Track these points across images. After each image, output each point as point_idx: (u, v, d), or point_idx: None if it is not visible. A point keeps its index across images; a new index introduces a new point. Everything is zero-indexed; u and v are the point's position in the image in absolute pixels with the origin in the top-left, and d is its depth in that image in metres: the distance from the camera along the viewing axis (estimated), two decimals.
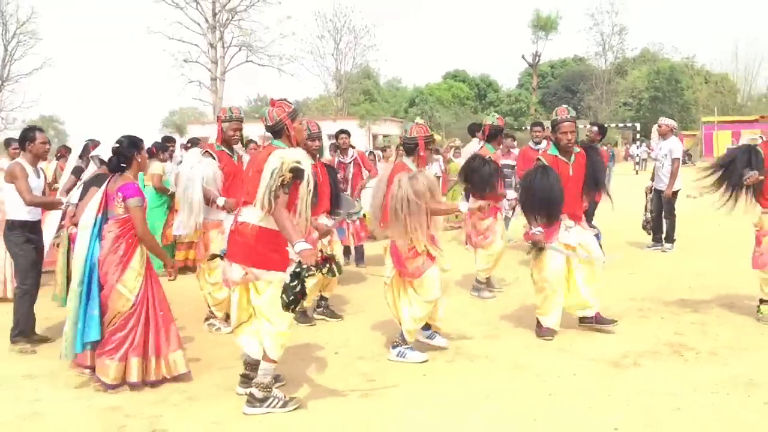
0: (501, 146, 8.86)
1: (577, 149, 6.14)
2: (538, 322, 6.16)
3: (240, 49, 49.04)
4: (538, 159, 6.17)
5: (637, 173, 32.58)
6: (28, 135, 6.18)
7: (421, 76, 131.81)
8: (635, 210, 10.96)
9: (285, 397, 4.64)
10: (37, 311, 6.38)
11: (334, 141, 9.80)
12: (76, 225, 5.69)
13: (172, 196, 9.11)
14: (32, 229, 6.27)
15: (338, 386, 5.03)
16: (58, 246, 6.74)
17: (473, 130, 10.51)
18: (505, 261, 8.27)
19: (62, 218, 6.77)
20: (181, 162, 8.40)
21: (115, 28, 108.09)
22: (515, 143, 11.64)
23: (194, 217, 6.33)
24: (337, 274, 4.49)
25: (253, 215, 4.51)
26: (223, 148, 6.53)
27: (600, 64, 59.70)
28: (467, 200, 8.28)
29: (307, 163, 4.49)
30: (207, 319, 6.67)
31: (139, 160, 5.19)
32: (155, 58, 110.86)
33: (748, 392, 4.67)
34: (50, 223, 6.86)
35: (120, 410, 4.66)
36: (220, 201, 6.30)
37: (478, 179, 7.34)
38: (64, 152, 10.57)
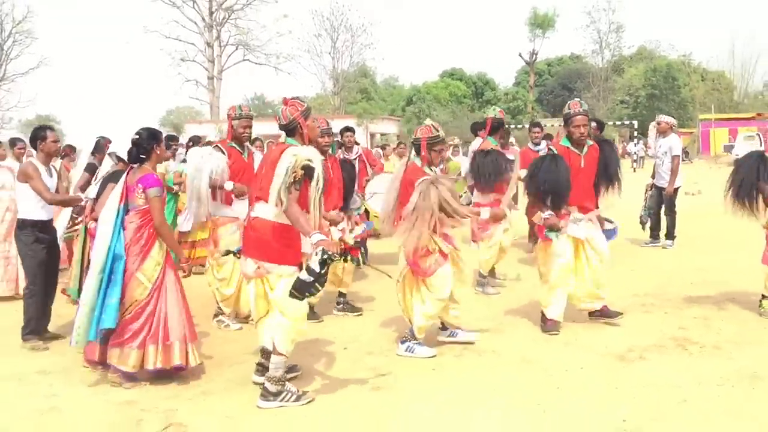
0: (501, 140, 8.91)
1: (590, 143, 6.22)
2: (543, 315, 6.25)
3: (237, 48, 49.23)
4: (550, 149, 6.26)
5: (634, 171, 32.69)
6: (39, 134, 6.23)
7: (418, 75, 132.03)
8: (634, 207, 11.05)
9: (298, 391, 4.72)
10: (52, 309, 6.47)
11: (338, 139, 9.87)
12: (94, 220, 5.76)
13: (176, 195, 9.18)
14: (43, 228, 6.30)
15: (348, 380, 5.11)
16: (72, 240, 6.79)
17: (476, 129, 10.57)
18: (506, 258, 8.36)
19: (78, 214, 6.84)
20: (184, 160, 8.48)
21: (111, 28, 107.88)
22: (512, 139, 11.69)
23: (203, 206, 6.39)
24: (362, 263, 4.65)
25: (266, 211, 4.61)
26: (234, 145, 6.62)
27: (597, 61, 59.80)
28: (471, 194, 8.39)
29: (318, 162, 4.59)
30: (216, 315, 6.75)
31: (158, 152, 5.28)
32: (152, 57, 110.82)
33: (753, 385, 4.76)
34: (61, 220, 6.93)
35: (136, 404, 4.74)
36: (228, 185, 6.38)
37: (485, 171, 7.45)
38: (68, 151, 10.62)
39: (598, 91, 55.83)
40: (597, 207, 6.36)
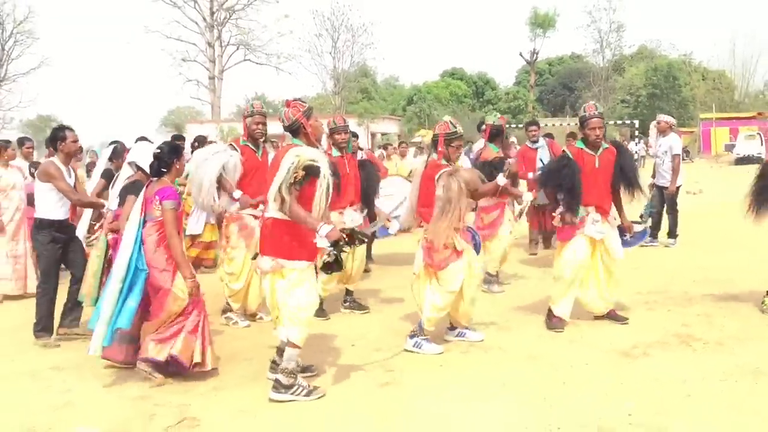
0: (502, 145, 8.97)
1: (606, 145, 6.30)
2: (550, 311, 6.33)
3: (238, 48, 49.21)
4: (563, 151, 6.38)
5: None
6: (58, 135, 6.29)
7: (418, 74, 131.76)
8: (636, 207, 11.10)
9: (309, 386, 4.81)
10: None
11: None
12: (113, 231, 5.83)
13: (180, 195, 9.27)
14: (60, 228, 6.36)
15: (356, 376, 5.19)
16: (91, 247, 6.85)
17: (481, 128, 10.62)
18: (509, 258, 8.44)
19: (96, 220, 6.92)
20: (189, 160, 8.56)
21: (112, 28, 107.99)
22: (513, 138, 11.74)
23: (204, 195, 6.40)
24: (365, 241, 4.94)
25: (276, 210, 4.72)
26: (248, 143, 6.69)
27: (597, 61, 59.71)
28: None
29: (323, 161, 4.69)
30: (224, 312, 6.82)
31: (178, 166, 5.38)
32: (153, 57, 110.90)
33: (756, 380, 4.83)
34: (81, 225, 7.00)
35: (149, 399, 4.84)
36: (236, 193, 6.44)
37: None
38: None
39: (599, 91, 55.80)
40: (621, 209, 6.49)
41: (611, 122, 44.34)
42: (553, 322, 6.27)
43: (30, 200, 8.71)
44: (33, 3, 76.36)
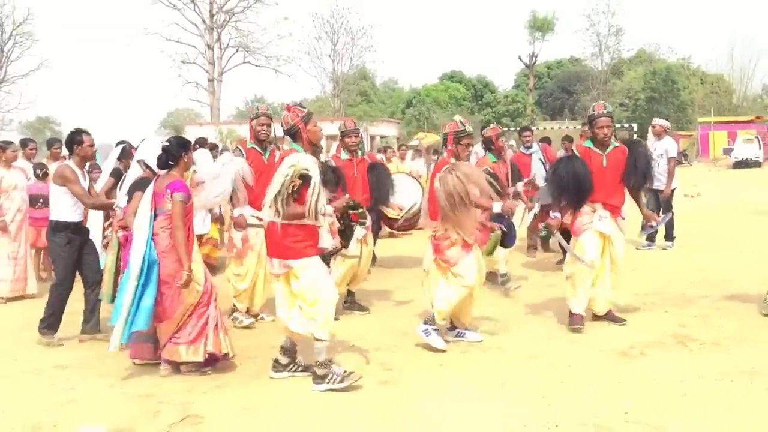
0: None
1: (616, 144, 6.38)
2: (570, 312, 6.33)
3: (237, 50, 49.34)
4: (573, 151, 6.50)
5: None
6: (76, 138, 6.32)
7: (417, 77, 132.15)
8: (634, 209, 11.18)
9: (344, 372, 4.94)
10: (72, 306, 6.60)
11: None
12: (123, 228, 5.89)
13: None
14: (75, 230, 6.42)
15: (358, 375, 5.23)
16: (106, 247, 6.90)
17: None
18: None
19: (106, 219, 6.99)
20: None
21: (112, 30, 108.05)
22: (512, 141, 11.79)
23: (211, 204, 6.50)
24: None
25: (268, 211, 4.93)
26: (254, 146, 6.76)
27: (596, 64, 59.89)
28: None
29: (315, 170, 4.85)
30: (231, 313, 6.88)
31: (186, 160, 5.46)
32: (152, 59, 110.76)
33: (751, 379, 4.89)
34: (91, 224, 7.06)
35: (153, 397, 4.90)
36: (236, 211, 6.51)
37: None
38: None
39: (598, 94, 55.81)
40: (640, 203, 6.65)
41: None
42: (573, 319, 6.28)
43: (33, 202, 8.79)
44: (32, 5, 76.56)
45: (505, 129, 30.80)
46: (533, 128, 10.64)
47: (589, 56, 60.80)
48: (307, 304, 4.90)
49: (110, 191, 6.88)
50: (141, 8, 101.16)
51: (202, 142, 11.32)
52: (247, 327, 6.72)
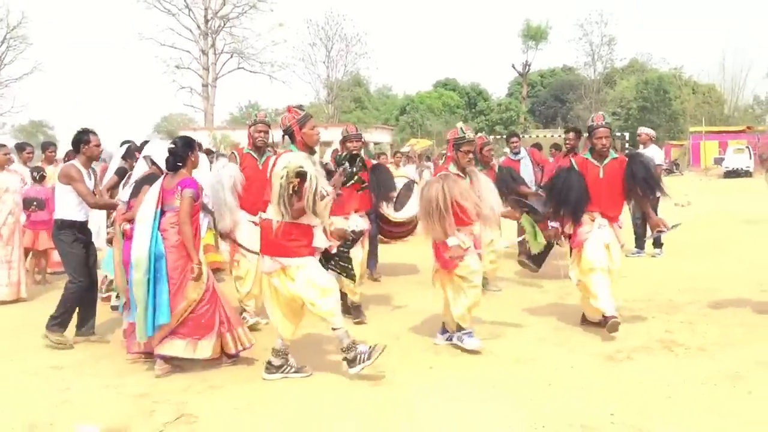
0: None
1: (615, 155, 6.48)
2: (603, 316, 6.32)
3: (232, 56, 49.44)
4: (570, 161, 6.62)
5: None
6: (82, 138, 6.39)
7: (411, 84, 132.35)
8: (625, 218, 11.29)
9: (369, 348, 5.17)
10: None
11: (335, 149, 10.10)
12: (128, 221, 5.97)
13: None
14: (81, 229, 6.48)
15: (350, 376, 5.30)
16: (110, 243, 6.96)
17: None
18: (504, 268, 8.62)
19: (108, 216, 7.08)
20: None
21: (106, 34, 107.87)
22: (506, 149, 11.89)
23: (230, 215, 6.65)
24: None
25: (272, 212, 5.03)
26: (250, 151, 6.86)
27: (589, 73, 60.30)
28: None
29: (309, 165, 4.97)
30: (241, 311, 6.89)
31: (193, 158, 5.61)
32: (147, 64, 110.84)
33: (734, 383, 5.00)
34: (95, 222, 7.13)
35: (148, 397, 4.97)
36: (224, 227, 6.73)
37: None
38: (72, 156, 10.77)
39: (590, 103, 56.19)
40: (647, 210, 6.79)
41: None
42: (608, 323, 6.22)
43: (27, 205, 8.82)
44: (26, 8, 76.40)
45: (498, 137, 30.99)
46: (526, 136, 10.76)
47: (582, 65, 61.30)
48: (311, 305, 5.06)
49: (113, 189, 6.95)
50: (136, 13, 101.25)
51: (198, 147, 11.36)
52: (252, 327, 6.78)
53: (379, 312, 7.58)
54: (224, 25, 48.48)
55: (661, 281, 8.74)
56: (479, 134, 8.51)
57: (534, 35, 57.60)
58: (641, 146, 11.07)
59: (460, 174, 5.97)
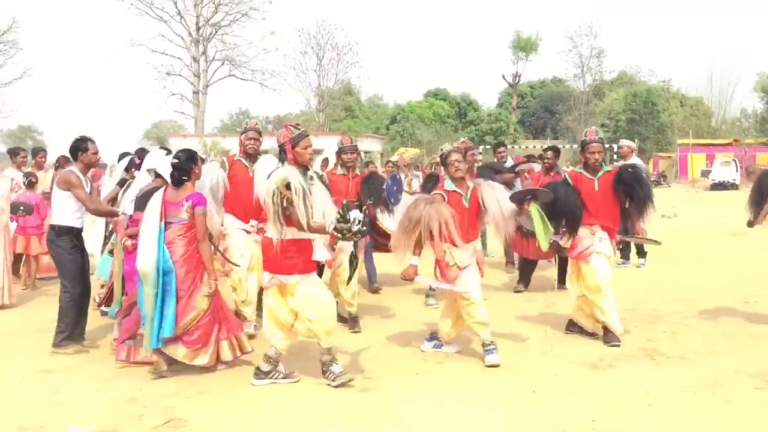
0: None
1: (608, 168, 6.58)
2: (605, 329, 6.44)
3: (223, 64, 49.33)
4: (565, 177, 6.75)
5: None
6: (81, 146, 6.39)
7: (402, 94, 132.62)
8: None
9: (341, 373, 5.30)
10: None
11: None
12: (130, 237, 6.00)
13: None
14: (77, 236, 6.48)
15: (350, 376, 5.37)
16: (111, 253, 6.93)
17: None
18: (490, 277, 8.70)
19: (106, 227, 7.11)
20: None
21: (97, 40, 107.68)
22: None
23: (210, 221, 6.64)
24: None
25: (271, 230, 5.16)
26: (241, 158, 6.91)
27: (578, 85, 60.74)
28: None
29: (294, 176, 5.05)
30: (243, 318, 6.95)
31: (197, 170, 5.71)
32: (138, 70, 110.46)
33: (714, 391, 5.10)
34: (90, 231, 7.16)
35: (137, 401, 5.03)
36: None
37: None
38: (63, 162, 10.79)
39: (580, 115, 56.62)
40: (636, 221, 6.70)
41: None
42: (609, 337, 6.38)
43: (14, 209, 8.77)
44: (17, 13, 76.24)
45: (488, 147, 31.10)
46: (516, 146, 10.86)
47: (572, 77, 61.73)
48: (308, 321, 5.17)
49: (114, 200, 7.00)
50: (127, 19, 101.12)
51: None
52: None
53: (367, 321, 7.61)
54: (216, 32, 48.43)
55: (645, 291, 8.86)
56: (463, 139, 8.62)
57: (524, 46, 57.92)
58: (622, 159, 11.18)
59: (458, 190, 6.02)
